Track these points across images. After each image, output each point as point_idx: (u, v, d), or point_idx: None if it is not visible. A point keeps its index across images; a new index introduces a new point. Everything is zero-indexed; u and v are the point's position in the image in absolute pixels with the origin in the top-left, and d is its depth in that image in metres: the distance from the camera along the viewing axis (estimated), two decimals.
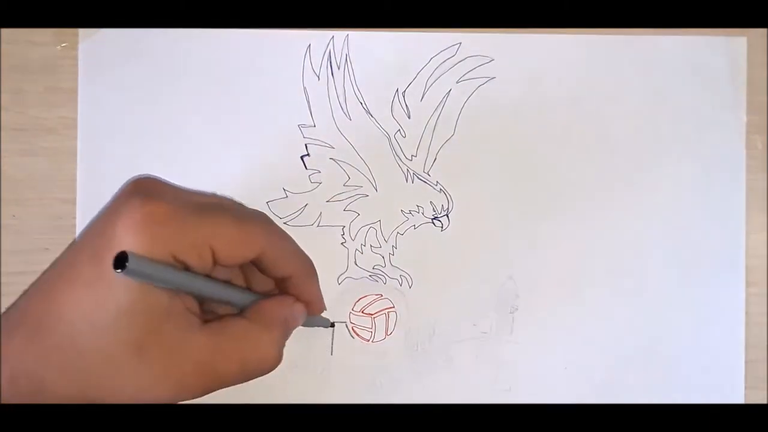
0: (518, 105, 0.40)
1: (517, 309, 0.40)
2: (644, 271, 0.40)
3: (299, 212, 0.39)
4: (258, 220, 0.32)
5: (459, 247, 0.39)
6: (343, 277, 0.40)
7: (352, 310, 0.40)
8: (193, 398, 0.30)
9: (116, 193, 0.32)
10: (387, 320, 0.40)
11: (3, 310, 0.39)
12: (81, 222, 0.39)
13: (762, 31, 0.40)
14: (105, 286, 0.28)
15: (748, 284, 0.40)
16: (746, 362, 0.39)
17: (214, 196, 0.36)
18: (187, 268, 0.30)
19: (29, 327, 0.30)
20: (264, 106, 0.39)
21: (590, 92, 0.40)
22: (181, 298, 0.30)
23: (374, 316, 0.40)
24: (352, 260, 0.40)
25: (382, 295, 0.40)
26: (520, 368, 0.40)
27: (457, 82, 0.40)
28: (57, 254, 0.38)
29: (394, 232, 0.40)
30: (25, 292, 0.32)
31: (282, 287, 0.34)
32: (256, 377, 0.32)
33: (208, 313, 0.33)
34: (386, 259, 0.40)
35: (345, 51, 0.39)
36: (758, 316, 0.40)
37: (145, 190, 0.30)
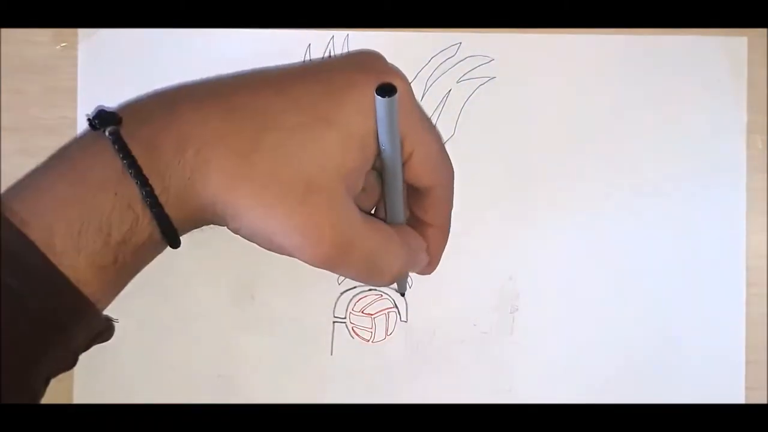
0: (518, 105, 0.40)
1: (517, 309, 0.40)
2: (644, 271, 0.40)
3: None
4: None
5: (459, 247, 0.39)
6: (343, 277, 0.40)
7: (352, 310, 0.40)
8: (313, 263, 0.31)
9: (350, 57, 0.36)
10: (387, 320, 0.40)
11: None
12: None
13: (762, 31, 0.39)
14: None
15: (748, 284, 0.39)
16: (746, 362, 0.39)
17: None
18: None
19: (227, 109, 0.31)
20: None
21: (590, 92, 0.40)
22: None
23: (374, 316, 0.40)
24: None
25: (382, 295, 0.40)
26: (520, 368, 0.39)
27: (457, 82, 0.40)
28: None
29: None
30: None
31: (419, 207, 0.36)
32: (365, 280, 0.35)
33: None
34: None
35: (345, 51, 0.39)
36: (758, 316, 0.40)
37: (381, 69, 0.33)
